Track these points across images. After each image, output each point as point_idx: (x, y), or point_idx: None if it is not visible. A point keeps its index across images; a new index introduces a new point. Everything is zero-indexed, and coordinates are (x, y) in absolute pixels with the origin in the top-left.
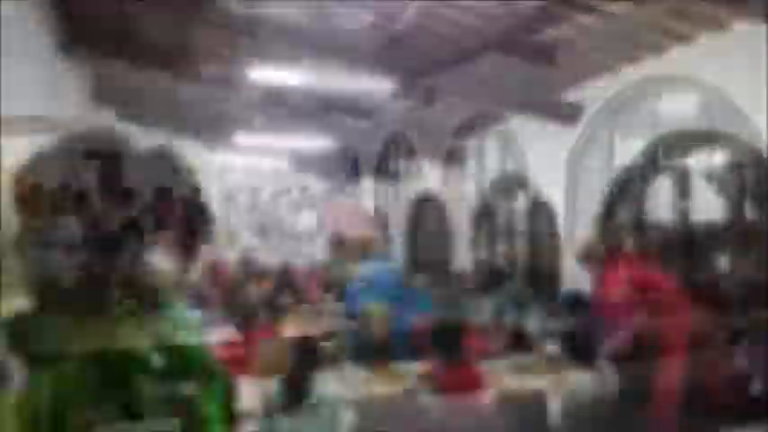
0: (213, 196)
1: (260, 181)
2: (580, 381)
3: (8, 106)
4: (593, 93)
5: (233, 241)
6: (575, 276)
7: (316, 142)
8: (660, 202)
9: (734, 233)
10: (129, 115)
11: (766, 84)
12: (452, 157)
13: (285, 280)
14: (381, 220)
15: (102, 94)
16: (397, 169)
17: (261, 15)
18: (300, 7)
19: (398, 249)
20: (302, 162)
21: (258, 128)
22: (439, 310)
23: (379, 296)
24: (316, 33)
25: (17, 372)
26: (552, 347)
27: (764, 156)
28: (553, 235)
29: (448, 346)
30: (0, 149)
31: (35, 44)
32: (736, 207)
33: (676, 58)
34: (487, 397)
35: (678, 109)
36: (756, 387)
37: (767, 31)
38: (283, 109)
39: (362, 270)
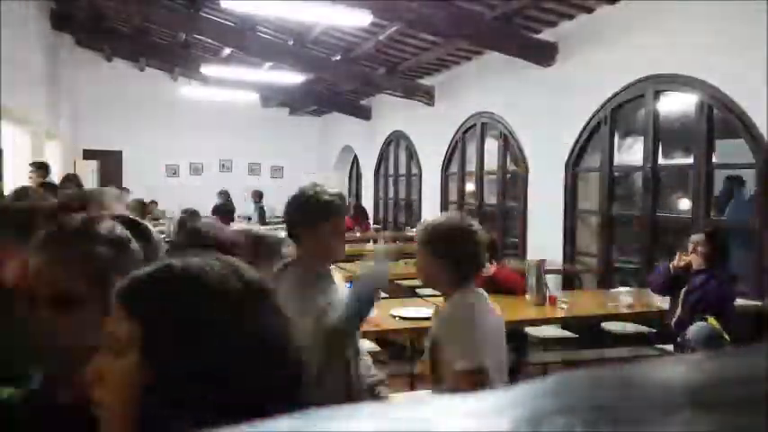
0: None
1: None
2: None
3: None
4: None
5: None
6: None
7: (288, 76)
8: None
9: None
10: (89, 44)
11: (766, 79)
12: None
13: None
14: None
15: (62, 21)
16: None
17: None
18: None
19: None
20: (273, 96)
21: (228, 59)
22: None
23: None
24: None
25: None
26: None
27: (765, 155)
28: None
29: None
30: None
31: None
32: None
33: None
34: None
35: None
36: None
37: None
38: (255, 41)
39: None
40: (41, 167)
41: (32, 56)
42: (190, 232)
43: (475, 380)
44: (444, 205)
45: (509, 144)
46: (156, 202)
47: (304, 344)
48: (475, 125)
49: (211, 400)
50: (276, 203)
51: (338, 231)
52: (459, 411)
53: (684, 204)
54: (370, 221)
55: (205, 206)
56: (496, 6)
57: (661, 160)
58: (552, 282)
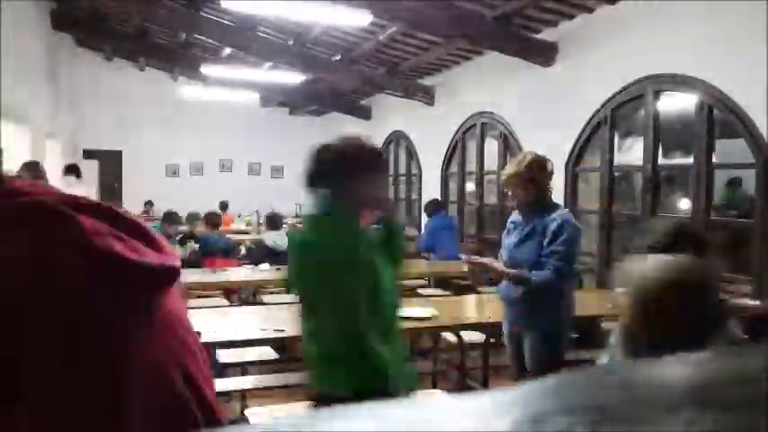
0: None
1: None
2: None
3: None
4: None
5: None
6: None
7: (287, 76)
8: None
9: None
10: (89, 44)
11: (766, 79)
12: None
13: None
14: None
15: (62, 21)
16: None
17: None
18: None
19: None
20: (273, 96)
21: (228, 59)
22: None
23: None
24: None
25: None
26: None
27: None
28: None
29: None
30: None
31: None
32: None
33: None
34: None
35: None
36: None
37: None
38: (255, 41)
39: None
40: (32, 168)
41: (32, 56)
42: None
43: None
44: (444, 205)
45: (509, 144)
46: (152, 203)
47: None
48: (475, 125)
49: None
50: (276, 203)
51: None
52: (460, 411)
53: (684, 204)
54: None
55: (205, 206)
56: (496, 6)
57: (661, 160)
58: None
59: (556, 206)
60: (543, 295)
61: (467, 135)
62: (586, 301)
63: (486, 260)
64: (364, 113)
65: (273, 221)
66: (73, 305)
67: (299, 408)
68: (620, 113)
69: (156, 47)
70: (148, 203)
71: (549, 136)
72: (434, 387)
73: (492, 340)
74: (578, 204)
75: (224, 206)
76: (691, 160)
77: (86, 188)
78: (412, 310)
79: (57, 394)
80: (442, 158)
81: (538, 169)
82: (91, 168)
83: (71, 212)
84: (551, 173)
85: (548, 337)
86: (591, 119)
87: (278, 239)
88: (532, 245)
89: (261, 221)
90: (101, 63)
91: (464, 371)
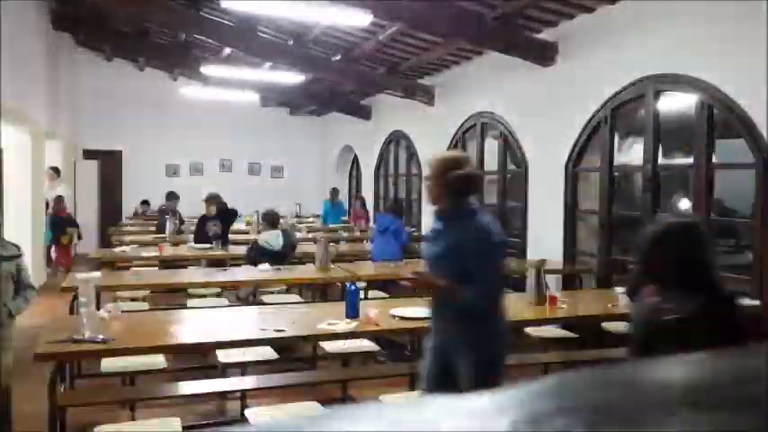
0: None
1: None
2: None
3: None
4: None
5: None
6: None
7: (288, 76)
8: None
9: None
10: (89, 44)
11: (766, 79)
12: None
13: None
14: None
15: (62, 21)
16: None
17: None
18: None
19: None
20: (273, 96)
21: (228, 59)
22: None
23: None
24: None
25: None
26: None
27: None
28: None
29: None
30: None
31: None
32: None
33: None
34: None
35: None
36: None
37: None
38: (255, 41)
39: None
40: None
41: (32, 56)
42: None
43: None
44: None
45: (509, 144)
46: (148, 202)
47: None
48: (475, 125)
49: None
50: (275, 204)
51: None
52: (461, 411)
53: (684, 204)
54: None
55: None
56: (496, 6)
57: (661, 160)
58: (552, 282)
59: (471, 214)
60: (472, 312)
61: (467, 135)
62: (586, 301)
63: (429, 275)
64: (364, 113)
65: (271, 220)
66: None
67: (299, 408)
68: (620, 113)
69: (156, 47)
70: (144, 203)
71: (549, 136)
72: None
73: None
74: (578, 204)
75: None
76: (691, 160)
77: (65, 185)
78: (412, 309)
79: None
80: None
81: (448, 169)
82: (91, 168)
83: None
84: (469, 177)
85: (483, 356)
86: (591, 119)
87: (270, 239)
88: (450, 260)
89: (260, 221)
90: (101, 63)
91: None
